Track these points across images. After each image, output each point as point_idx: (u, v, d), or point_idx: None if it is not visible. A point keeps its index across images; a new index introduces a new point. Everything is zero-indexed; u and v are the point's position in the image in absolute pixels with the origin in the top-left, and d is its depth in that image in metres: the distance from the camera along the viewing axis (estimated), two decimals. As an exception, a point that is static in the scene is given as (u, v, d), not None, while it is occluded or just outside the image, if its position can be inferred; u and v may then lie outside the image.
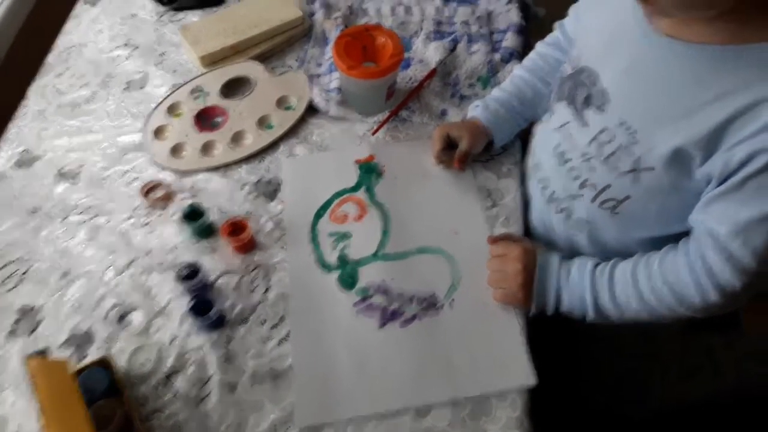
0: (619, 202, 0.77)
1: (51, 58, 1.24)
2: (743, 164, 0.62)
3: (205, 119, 1.12)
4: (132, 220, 0.98)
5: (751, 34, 0.61)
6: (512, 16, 1.22)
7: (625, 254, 0.81)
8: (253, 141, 1.07)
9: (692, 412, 0.98)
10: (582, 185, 0.81)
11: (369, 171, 1.02)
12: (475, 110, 1.01)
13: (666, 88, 0.68)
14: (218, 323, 0.86)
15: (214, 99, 1.14)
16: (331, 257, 0.93)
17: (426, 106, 1.09)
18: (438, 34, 1.21)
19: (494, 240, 0.89)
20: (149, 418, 0.79)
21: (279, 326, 0.86)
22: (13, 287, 0.92)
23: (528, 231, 0.95)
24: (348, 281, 0.90)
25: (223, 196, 1.00)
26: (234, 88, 1.16)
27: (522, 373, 0.80)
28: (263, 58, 1.20)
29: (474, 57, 1.16)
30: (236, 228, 0.93)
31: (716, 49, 0.63)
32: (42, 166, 1.06)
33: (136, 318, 0.88)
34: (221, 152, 1.06)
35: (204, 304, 0.84)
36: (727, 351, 0.93)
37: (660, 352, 0.95)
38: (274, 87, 1.14)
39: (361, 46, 1.07)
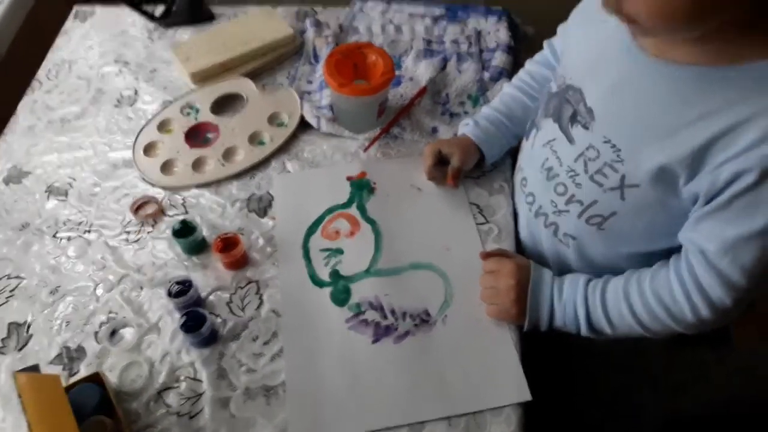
0: (605, 218, 0.78)
1: (41, 74, 1.24)
2: (729, 183, 0.63)
3: (196, 136, 1.12)
4: (122, 237, 0.98)
5: (734, 55, 0.62)
6: (501, 35, 1.24)
7: (612, 269, 0.82)
8: (244, 157, 1.07)
9: (685, 426, 0.99)
10: (568, 201, 0.81)
11: (360, 187, 1.02)
12: (465, 128, 1.02)
13: (651, 108, 0.69)
14: (210, 339, 0.85)
15: (205, 115, 1.14)
16: (323, 273, 0.93)
17: (417, 124, 1.10)
18: (428, 52, 1.22)
19: (487, 255, 0.89)
20: (141, 435, 0.78)
21: (271, 342, 0.86)
22: (3, 303, 0.91)
23: (519, 246, 0.96)
24: (340, 297, 0.90)
25: (214, 212, 1.00)
26: (225, 104, 1.17)
27: (516, 388, 0.80)
28: (254, 75, 1.21)
29: (464, 75, 1.17)
30: (228, 244, 0.93)
31: (701, 70, 0.64)
32: (31, 182, 1.06)
33: (127, 334, 0.87)
34: (212, 168, 1.06)
35: (196, 320, 0.84)
36: (719, 365, 0.94)
37: (652, 366, 0.95)
38: (266, 104, 1.15)
39: (352, 64, 1.08)
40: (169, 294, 0.87)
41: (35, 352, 0.86)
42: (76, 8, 1.37)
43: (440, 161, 1.00)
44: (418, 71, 1.18)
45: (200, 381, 0.82)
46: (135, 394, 0.81)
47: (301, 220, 0.99)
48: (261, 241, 0.96)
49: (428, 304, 0.88)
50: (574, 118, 0.79)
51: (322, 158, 1.07)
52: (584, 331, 0.81)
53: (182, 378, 0.83)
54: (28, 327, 0.88)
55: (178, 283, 0.88)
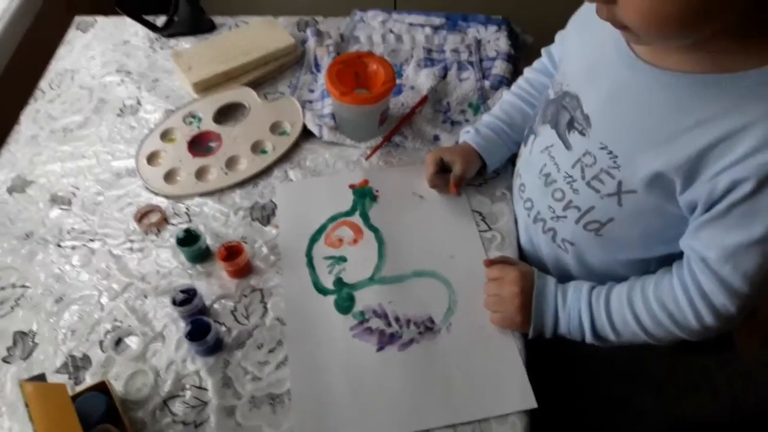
0: (602, 224, 0.79)
1: (43, 83, 1.24)
2: (727, 192, 0.63)
3: (199, 144, 1.12)
4: (126, 245, 0.98)
5: (728, 63, 0.62)
6: (501, 43, 1.25)
7: (611, 275, 0.82)
8: (247, 166, 1.08)
9: (690, 432, 1.00)
10: (566, 207, 0.82)
11: (363, 195, 1.03)
12: (466, 135, 1.02)
13: (647, 115, 0.70)
14: (215, 348, 0.86)
15: (207, 124, 1.14)
16: (327, 281, 0.93)
17: (418, 132, 1.11)
18: (429, 61, 1.23)
19: (490, 263, 0.90)
20: (147, 443, 0.79)
21: (276, 350, 0.86)
22: (8, 313, 0.91)
23: (519, 252, 0.96)
24: (344, 305, 0.90)
25: (218, 220, 1.01)
26: (227, 113, 1.18)
27: (521, 396, 0.81)
28: (255, 85, 1.22)
29: (464, 84, 1.18)
30: (232, 252, 0.93)
31: (697, 78, 0.65)
32: (35, 192, 1.06)
33: (132, 343, 0.87)
34: (215, 177, 1.07)
35: (200, 328, 0.84)
36: (722, 371, 0.94)
37: (656, 373, 0.96)
38: (268, 113, 1.15)
39: (353, 73, 1.09)
40: (174, 302, 0.87)
41: (41, 361, 0.86)
42: (78, 19, 1.38)
43: (442, 169, 1.00)
44: (419, 80, 1.19)
45: (206, 389, 0.83)
46: (141, 403, 0.81)
47: (305, 228, 0.99)
48: (264, 250, 0.97)
49: (432, 312, 0.89)
50: (571, 125, 0.79)
51: (324, 166, 1.08)
52: (589, 338, 0.81)
53: (188, 386, 0.83)
54: (34, 336, 0.88)
55: (182, 291, 0.88)
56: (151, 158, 1.10)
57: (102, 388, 0.79)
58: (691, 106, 0.65)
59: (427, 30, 1.29)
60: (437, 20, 1.31)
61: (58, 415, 0.71)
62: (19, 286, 0.94)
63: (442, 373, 0.83)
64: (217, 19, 1.36)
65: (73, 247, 0.98)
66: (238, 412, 0.81)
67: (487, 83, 1.18)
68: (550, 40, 1.00)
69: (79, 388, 0.80)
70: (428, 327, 0.87)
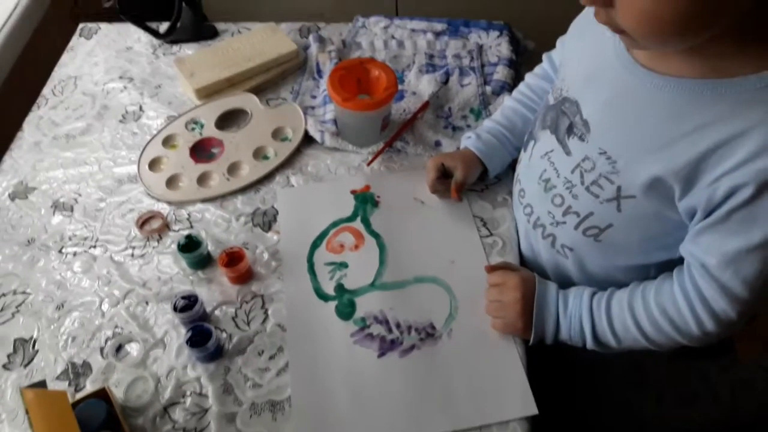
0: (601, 230, 0.78)
1: (46, 90, 1.25)
2: (727, 197, 0.63)
3: (201, 151, 1.13)
4: (128, 252, 0.98)
5: (726, 68, 0.62)
6: (503, 49, 1.25)
7: (610, 282, 0.82)
8: (249, 172, 1.08)
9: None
10: (565, 212, 0.82)
11: (364, 201, 1.03)
12: (467, 141, 1.02)
13: (645, 120, 0.69)
14: (216, 354, 0.86)
15: (210, 131, 1.15)
16: (328, 287, 0.93)
17: (420, 137, 1.11)
18: (430, 67, 1.23)
19: (492, 269, 0.89)
20: (147, 450, 0.78)
21: (277, 357, 0.86)
22: (9, 319, 0.91)
23: (521, 257, 0.96)
24: (345, 311, 0.90)
25: (219, 226, 1.01)
26: (230, 120, 1.18)
27: (522, 402, 0.80)
28: (258, 91, 1.22)
29: (466, 89, 1.18)
30: (233, 258, 0.93)
31: (696, 83, 0.64)
32: (37, 198, 1.06)
33: (133, 349, 0.87)
34: (217, 183, 1.07)
35: (201, 335, 0.84)
36: (723, 377, 0.94)
37: (656, 380, 0.95)
38: (270, 119, 1.16)
39: (355, 79, 1.09)
40: (175, 309, 0.87)
41: (41, 368, 0.86)
42: (81, 25, 1.39)
43: (443, 174, 1.00)
44: (421, 86, 1.19)
45: (206, 396, 0.82)
46: (141, 410, 0.81)
47: (306, 234, 0.99)
48: (266, 256, 0.96)
49: (433, 318, 0.89)
50: (570, 130, 0.79)
51: (326, 172, 1.08)
52: (590, 344, 0.81)
53: (188, 393, 0.83)
54: (34, 343, 0.88)
55: (183, 297, 0.88)
56: (153, 164, 1.10)
57: (102, 394, 0.79)
58: (690, 111, 0.65)
59: (429, 36, 1.29)
60: (439, 26, 1.31)
61: (58, 422, 0.71)
62: (20, 292, 0.94)
63: (443, 379, 0.83)
64: (220, 26, 1.37)
65: (75, 254, 0.98)
66: (239, 418, 0.80)
67: (488, 89, 1.18)
68: (551, 46, 1.00)
69: (80, 395, 0.80)
70: (429, 333, 0.87)
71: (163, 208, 1.04)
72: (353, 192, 1.04)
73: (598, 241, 0.80)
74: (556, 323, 0.83)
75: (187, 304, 0.88)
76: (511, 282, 0.85)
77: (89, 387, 0.84)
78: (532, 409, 0.79)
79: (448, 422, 0.79)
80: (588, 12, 0.78)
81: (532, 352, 0.86)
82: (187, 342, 0.84)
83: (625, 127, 0.72)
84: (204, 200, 1.04)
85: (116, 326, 0.90)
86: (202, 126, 1.16)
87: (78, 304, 0.92)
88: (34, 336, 0.89)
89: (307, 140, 1.12)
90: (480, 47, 1.26)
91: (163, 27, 1.32)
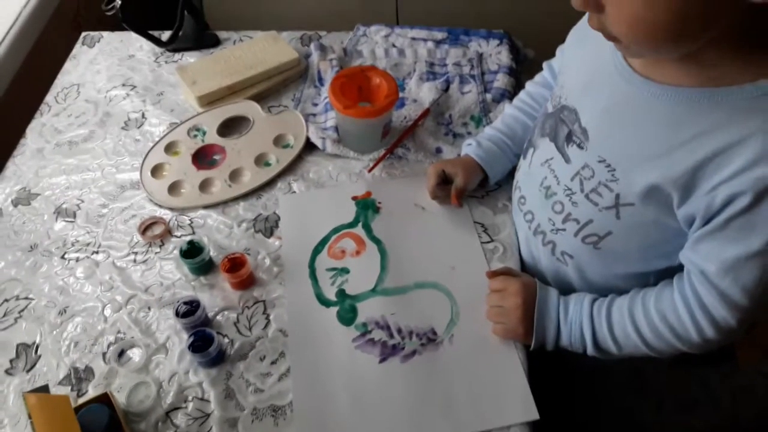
0: (600, 237, 0.79)
1: (49, 97, 1.26)
2: (725, 205, 0.63)
3: (203, 157, 1.13)
4: (130, 257, 0.99)
5: (724, 76, 0.63)
6: (503, 57, 1.26)
7: (610, 288, 0.82)
8: (251, 178, 1.08)
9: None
10: (565, 219, 0.82)
11: (366, 207, 1.03)
12: (468, 148, 1.03)
13: (643, 129, 0.70)
14: (218, 359, 0.86)
15: (212, 137, 1.15)
16: (330, 293, 0.93)
17: (421, 144, 1.12)
18: (431, 75, 1.24)
19: (493, 274, 0.90)
20: (149, 455, 0.78)
21: (278, 362, 0.86)
22: (11, 324, 0.91)
23: (521, 264, 0.96)
24: (347, 317, 0.90)
25: (221, 232, 1.01)
26: (232, 126, 1.18)
27: (523, 407, 0.80)
28: (259, 98, 1.23)
29: (466, 97, 1.19)
30: (235, 264, 0.93)
31: (693, 92, 0.65)
32: (40, 204, 1.07)
33: (135, 355, 0.88)
34: (219, 189, 1.07)
35: (203, 340, 0.84)
36: (723, 384, 0.94)
37: (657, 386, 0.95)
38: (272, 126, 1.16)
39: (356, 87, 1.10)
40: (177, 314, 0.87)
41: (43, 373, 0.86)
42: (84, 34, 1.40)
43: (444, 181, 1.01)
44: (422, 93, 1.20)
45: (208, 401, 0.83)
46: (143, 415, 0.81)
47: (307, 239, 1.00)
48: (267, 261, 0.97)
49: (435, 323, 0.89)
50: (569, 138, 0.79)
51: (327, 178, 1.09)
52: (590, 350, 0.81)
53: (190, 398, 0.83)
54: (37, 348, 0.89)
55: (185, 303, 0.88)
56: (156, 171, 1.11)
57: (105, 399, 0.79)
58: (687, 120, 0.65)
59: (430, 44, 1.30)
60: (439, 34, 1.32)
61: (60, 426, 0.71)
62: (22, 298, 0.94)
63: (445, 384, 0.83)
64: (222, 34, 1.38)
65: (77, 259, 0.98)
66: (241, 424, 0.81)
67: (488, 96, 1.18)
68: (551, 54, 1.00)
69: (82, 400, 0.80)
70: (430, 338, 0.87)
71: (166, 215, 1.04)
72: (354, 198, 1.05)
73: (598, 249, 0.80)
74: (557, 329, 0.83)
75: (189, 310, 0.88)
76: (512, 288, 0.85)
77: (91, 392, 0.84)
78: (533, 415, 0.80)
79: (449, 427, 0.79)
80: (586, 20, 0.79)
81: (532, 358, 0.86)
82: (189, 347, 0.84)
83: (624, 136, 0.72)
84: (206, 206, 1.05)
85: (118, 331, 0.90)
86: (204, 133, 1.16)
87: (80, 309, 0.93)
88: (37, 341, 0.89)
89: (309, 147, 1.13)
90: (480, 55, 1.27)
91: (166, 35, 1.33)
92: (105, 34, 1.39)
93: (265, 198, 1.06)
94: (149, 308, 0.92)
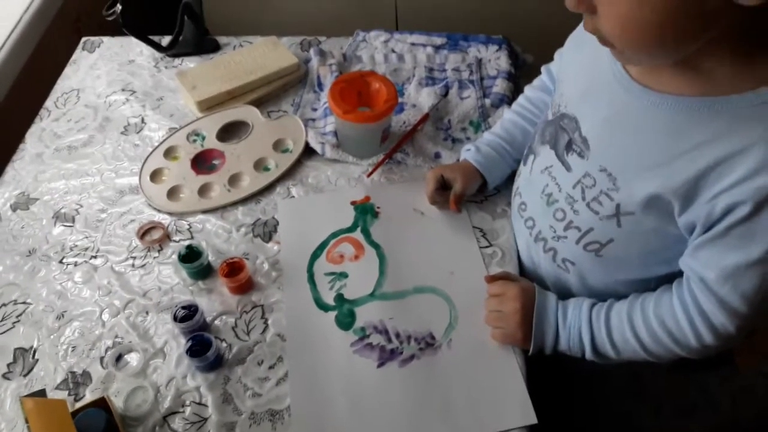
0: (602, 245, 0.79)
1: (49, 102, 1.26)
2: (725, 214, 0.63)
3: (202, 162, 1.13)
4: (129, 262, 0.99)
5: (723, 85, 0.62)
6: (502, 62, 1.26)
7: (611, 294, 0.82)
8: (249, 183, 1.08)
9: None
10: (567, 227, 0.82)
11: (364, 212, 1.03)
12: (467, 153, 1.03)
13: (643, 139, 0.70)
14: (215, 364, 0.86)
15: (211, 142, 1.15)
16: (328, 297, 0.93)
17: (420, 149, 1.12)
18: (430, 80, 1.24)
19: (492, 279, 0.90)
20: (146, 460, 0.78)
21: (276, 367, 0.86)
22: (9, 329, 0.91)
23: (521, 269, 0.96)
24: (345, 321, 0.90)
25: (220, 237, 1.01)
26: (231, 131, 1.18)
27: (522, 411, 0.80)
28: (259, 103, 1.23)
29: (465, 102, 1.19)
30: (233, 269, 0.93)
31: (693, 101, 0.64)
32: (39, 209, 1.07)
33: (133, 359, 0.87)
34: (218, 194, 1.07)
35: (201, 345, 0.84)
36: (722, 387, 0.93)
37: (656, 391, 0.95)
38: (271, 130, 1.16)
39: (356, 92, 1.10)
40: (175, 319, 0.87)
41: (41, 378, 0.86)
42: (84, 39, 1.40)
43: (443, 186, 1.01)
44: (421, 98, 1.20)
45: (206, 406, 0.82)
46: (141, 419, 0.81)
47: (306, 244, 1.00)
48: (266, 266, 0.97)
49: (433, 328, 0.89)
50: (569, 147, 0.79)
51: (326, 183, 1.09)
52: (589, 355, 0.81)
53: (188, 403, 0.83)
54: (34, 352, 0.89)
55: (183, 307, 0.88)
56: (155, 176, 1.11)
57: (102, 404, 0.79)
58: (688, 129, 0.65)
59: (429, 49, 1.30)
60: (438, 40, 1.32)
61: (58, 431, 0.71)
62: (20, 302, 0.94)
63: (443, 388, 0.83)
64: (222, 39, 1.38)
65: (76, 264, 0.98)
66: (239, 428, 0.80)
67: (487, 101, 1.19)
68: (549, 59, 1.00)
69: (79, 405, 0.80)
70: (429, 343, 0.87)
71: (164, 219, 1.04)
72: (353, 203, 1.05)
73: (600, 256, 0.80)
74: (556, 334, 0.83)
75: (187, 314, 0.88)
76: (510, 292, 0.85)
77: (89, 396, 0.84)
78: (532, 419, 0.79)
79: (447, 432, 0.79)
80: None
81: (531, 362, 0.86)
82: (187, 352, 0.84)
83: (624, 145, 0.72)
84: (205, 211, 1.05)
85: (116, 336, 0.90)
86: (203, 138, 1.17)
87: (78, 313, 0.92)
88: (34, 345, 0.89)
89: (308, 152, 1.13)
90: (479, 61, 1.27)
91: (166, 40, 1.33)
92: (105, 39, 1.40)
93: (264, 203, 1.06)
94: (147, 313, 0.92)
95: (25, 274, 0.98)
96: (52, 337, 0.90)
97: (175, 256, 0.97)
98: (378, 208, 1.04)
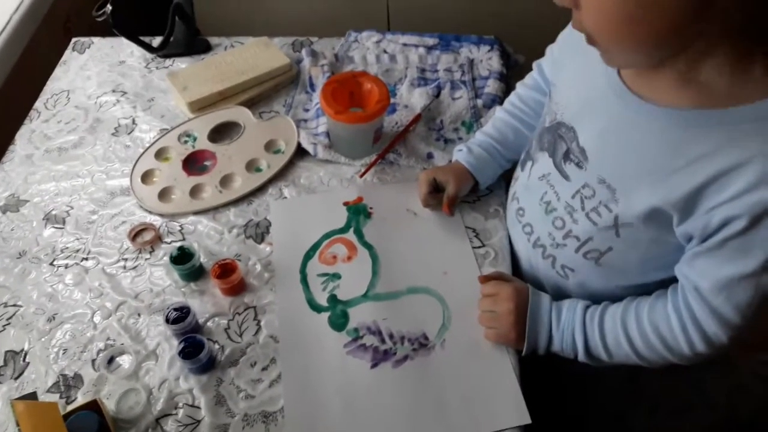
0: (602, 253, 0.79)
1: (39, 103, 1.25)
2: (722, 226, 0.64)
3: (194, 163, 1.13)
4: (120, 264, 0.98)
5: (720, 97, 0.62)
6: (493, 63, 1.26)
7: (610, 298, 0.82)
8: (241, 184, 1.08)
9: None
10: (566, 235, 0.82)
11: (357, 212, 1.03)
12: (459, 154, 1.03)
13: (641, 152, 0.69)
14: (208, 366, 0.85)
15: (202, 143, 1.15)
16: (321, 298, 0.93)
17: (412, 150, 1.12)
18: (422, 80, 1.24)
19: (485, 279, 0.89)
20: (138, 463, 0.78)
21: (269, 368, 0.86)
22: (-1, 332, 0.91)
23: (516, 271, 0.96)
24: (338, 322, 0.90)
25: (212, 238, 1.01)
26: (222, 132, 1.18)
27: (516, 412, 0.80)
28: (250, 104, 1.23)
29: (457, 102, 1.19)
30: (225, 270, 0.93)
31: (691, 114, 0.64)
32: (29, 211, 1.06)
33: (125, 361, 0.87)
34: (210, 195, 1.07)
35: (193, 346, 0.84)
36: (719, 384, 0.93)
37: (650, 391, 0.95)
38: (263, 131, 1.16)
39: (348, 92, 1.10)
40: (167, 320, 0.87)
41: (32, 380, 0.85)
42: (74, 40, 1.39)
43: (435, 189, 1.01)
44: (413, 99, 1.20)
45: (198, 408, 0.82)
46: (133, 422, 0.81)
47: (299, 245, 0.99)
48: (258, 267, 0.97)
49: (426, 328, 0.89)
50: (567, 156, 0.79)
51: (318, 184, 1.08)
52: (581, 357, 0.81)
53: (180, 405, 0.82)
54: (25, 355, 0.88)
55: (175, 309, 0.88)
56: (146, 177, 1.10)
57: (94, 406, 0.79)
58: (687, 142, 0.65)
59: (421, 50, 1.30)
60: (430, 40, 1.32)
61: (49, 433, 0.71)
62: (11, 305, 0.93)
63: (436, 389, 0.83)
64: (213, 40, 1.37)
65: (67, 266, 0.98)
66: (232, 430, 0.80)
67: (479, 102, 1.19)
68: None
69: (71, 407, 0.79)
70: (422, 343, 0.87)
71: (156, 221, 1.04)
72: (346, 203, 1.05)
73: (599, 264, 0.80)
74: (549, 335, 0.83)
75: (180, 316, 0.87)
76: (504, 292, 0.85)
77: (80, 399, 0.83)
78: (525, 419, 0.80)
79: (441, 432, 0.79)
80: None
81: (524, 362, 0.86)
82: (179, 354, 0.83)
83: (622, 158, 0.72)
84: (196, 212, 1.04)
85: (108, 338, 0.89)
86: (194, 139, 1.16)
87: (70, 316, 0.92)
88: (25, 348, 0.89)
89: (300, 152, 1.13)
90: (471, 61, 1.27)
91: (156, 41, 1.33)
92: (96, 39, 1.39)
93: (256, 204, 1.06)
94: (139, 315, 0.92)
95: (15, 276, 0.97)
96: (43, 339, 0.89)
97: (166, 258, 0.96)
98: (371, 208, 1.04)
